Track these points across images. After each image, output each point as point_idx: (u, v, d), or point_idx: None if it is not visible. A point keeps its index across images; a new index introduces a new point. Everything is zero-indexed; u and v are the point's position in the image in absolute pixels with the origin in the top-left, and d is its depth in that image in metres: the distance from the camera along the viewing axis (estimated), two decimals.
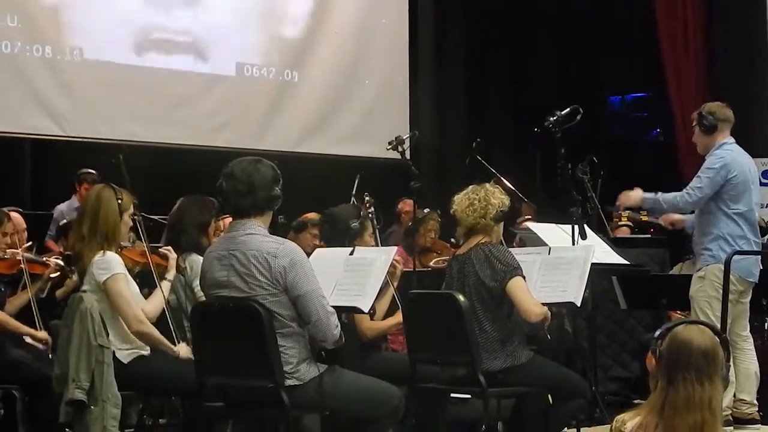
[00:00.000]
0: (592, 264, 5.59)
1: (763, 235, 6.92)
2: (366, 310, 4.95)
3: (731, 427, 6.28)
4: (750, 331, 6.71)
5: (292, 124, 10.66)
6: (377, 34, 11.26)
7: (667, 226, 7.17)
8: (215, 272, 4.54)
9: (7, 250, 5.86)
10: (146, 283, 5.46)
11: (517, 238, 7.60)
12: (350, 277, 5.03)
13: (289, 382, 4.44)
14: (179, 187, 6.40)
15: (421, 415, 5.36)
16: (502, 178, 7.82)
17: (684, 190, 6.55)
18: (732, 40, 11.12)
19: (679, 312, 7.36)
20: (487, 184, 5.55)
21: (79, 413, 4.94)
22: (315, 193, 8.16)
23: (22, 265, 5.76)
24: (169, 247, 5.54)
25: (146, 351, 5.22)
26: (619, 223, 8.53)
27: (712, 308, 6.38)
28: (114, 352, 5.04)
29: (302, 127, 10.71)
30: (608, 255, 6.57)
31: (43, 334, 5.71)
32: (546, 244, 6.06)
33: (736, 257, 6.35)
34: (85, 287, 5.14)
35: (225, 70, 10.30)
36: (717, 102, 6.83)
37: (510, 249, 5.64)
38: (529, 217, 8.60)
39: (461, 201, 5.43)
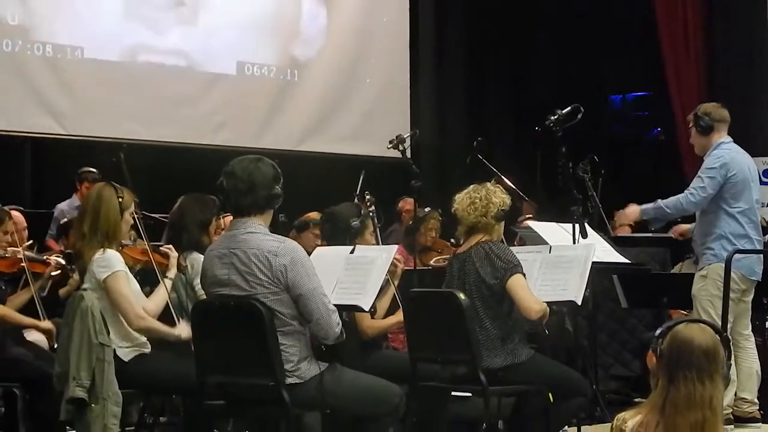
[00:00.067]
0: (593, 263, 5.59)
1: (764, 234, 6.92)
2: (367, 309, 4.95)
3: (732, 426, 6.28)
4: (751, 330, 6.72)
5: (293, 124, 10.67)
6: (378, 34, 11.27)
7: (677, 237, 7.22)
8: (216, 271, 4.54)
9: (8, 249, 5.85)
10: (147, 281, 5.47)
11: (518, 237, 7.60)
12: (351, 275, 5.03)
13: (289, 381, 4.44)
14: (180, 185, 6.41)
15: (422, 414, 5.36)
16: (503, 177, 7.82)
17: (686, 192, 6.55)
18: (732, 40, 11.13)
19: (681, 310, 7.36)
20: (488, 184, 5.56)
21: (79, 411, 4.94)
22: (315, 192, 8.17)
23: (23, 264, 5.76)
24: (170, 245, 5.54)
25: (147, 349, 5.22)
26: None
27: (714, 307, 6.39)
28: (115, 350, 5.04)
29: (303, 127, 10.72)
30: (609, 254, 6.57)
31: (47, 324, 5.71)
32: (547, 243, 6.07)
33: (738, 256, 6.36)
34: (85, 285, 5.14)
35: (226, 69, 10.31)
36: (712, 102, 6.87)
37: (511, 247, 5.64)
38: (530, 215, 8.59)
39: (462, 200, 5.43)
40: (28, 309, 5.80)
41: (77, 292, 5.17)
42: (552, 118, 6.36)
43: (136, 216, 5.40)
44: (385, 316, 5.71)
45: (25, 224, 6.59)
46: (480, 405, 5.25)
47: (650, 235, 8.33)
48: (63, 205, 8.88)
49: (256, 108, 10.48)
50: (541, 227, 6.74)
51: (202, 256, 4.97)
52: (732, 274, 6.31)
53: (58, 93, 9.34)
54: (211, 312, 4.63)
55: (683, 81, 11.20)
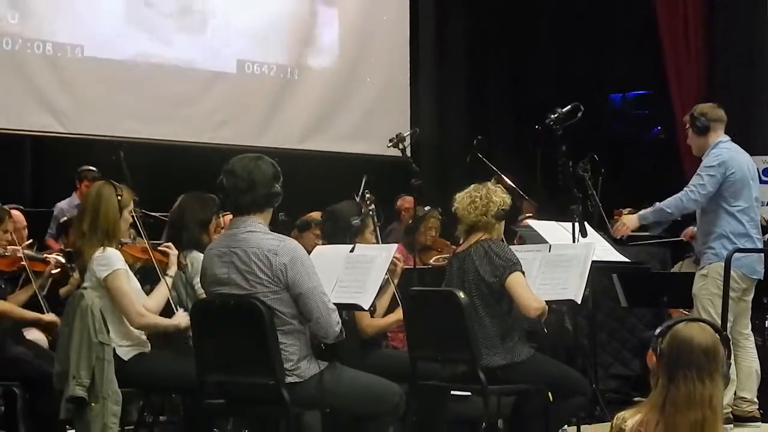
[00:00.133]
0: (593, 261, 5.59)
1: (764, 234, 6.93)
2: (366, 308, 4.96)
3: (732, 425, 6.29)
4: (751, 330, 6.72)
5: (293, 122, 10.67)
6: (378, 33, 11.27)
7: (687, 239, 7.23)
8: (216, 269, 4.54)
9: (8, 247, 5.85)
10: (147, 279, 5.47)
11: (518, 236, 7.60)
12: (351, 274, 5.03)
13: (289, 380, 4.44)
14: (180, 184, 6.41)
15: (422, 413, 5.36)
16: (502, 176, 7.81)
17: (685, 189, 6.55)
18: (732, 39, 11.13)
19: (681, 310, 7.35)
20: (489, 183, 5.56)
21: (79, 410, 4.94)
22: (315, 190, 8.16)
23: (24, 263, 5.75)
24: (170, 243, 5.54)
25: (147, 348, 5.22)
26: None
27: (714, 306, 6.39)
28: (114, 349, 5.03)
29: (303, 126, 10.72)
30: (609, 253, 6.57)
31: (51, 316, 5.71)
32: (547, 242, 6.07)
33: (739, 254, 6.36)
34: (85, 284, 5.13)
35: (226, 67, 10.31)
36: (708, 103, 6.88)
37: (510, 246, 5.64)
38: (530, 214, 8.59)
39: (463, 199, 5.44)
40: (28, 308, 5.81)
41: (77, 290, 5.17)
42: (552, 116, 6.35)
43: (135, 214, 5.40)
44: (385, 314, 5.71)
45: (25, 223, 6.59)
46: (480, 404, 5.25)
47: (650, 234, 8.33)
48: (63, 204, 8.88)
49: (257, 106, 10.48)
50: (541, 226, 6.74)
51: (202, 255, 4.97)
52: (732, 273, 6.31)
53: (58, 91, 9.34)
54: (210, 311, 4.63)
55: (683, 80, 11.19)
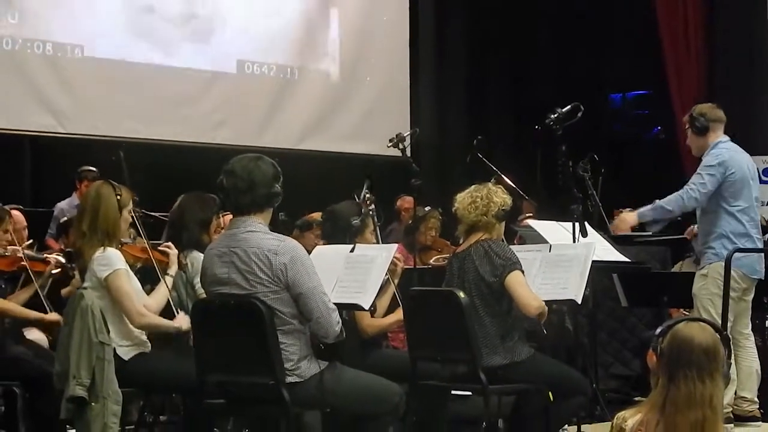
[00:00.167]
0: (593, 261, 5.59)
1: (764, 234, 6.93)
2: (367, 308, 4.96)
3: (732, 425, 6.28)
4: (751, 329, 6.72)
5: (293, 122, 10.67)
6: (378, 33, 11.27)
7: (690, 237, 7.23)
8: (216, 269, 4.54)
9: (8, 247, 5.85)
10: (147, 279, 5.46)
11: (518, 236, 7.60)
12: (351, 274, 5.03)
13: (289, 379, 4.44)
14: (180, 184, 6.41)
15: (422, 413, 5.36)
16: (503, 176, 7.81)
17: (686, 188, 6.55)
18: (732, 39, 11.14)
19: (681, 309, 7.35)
20: (490, 184, 5.57)
21: (79, 410, 4.93)
22: (315, 190, 8.16)
23: (24, 263, 5.75)
24: (170, 243, 5.53)
25: (147, 348, 5.22)
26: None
27: (714, 306, 6.38)
28: (115, 348, 5.03)
29: (303, 126, 10.72)
30: (609, 252, 6.57)
31: (54, 315, 5.71)
32: (547, 242, 6.06)
33: (739, 254, 6.36)
34: (86, 284, 5.13)
35: (226, 67, 10.31)
36: (707, 103, 6.88)
37: (511, 246, 5.64)
38: (530, 214, 8.59)
39: (463, 199, 5.44)
40: (29, 308, 5.80)
41: (77, 290, 5.17)
42: (552, 116, 6.35)
43: (135, 214, 5.40)
44: (385, 314, 5.71)
45: (25, 223, 6.58)
46: (480, 404, 5.25)
47: (650, 233, 8.33)
48: (63, 204, 8.88)
49: (256, 106, 10.48)
50: (541, 226, 6.74)
51: (202, 255, 4.97)
52: (732, 272, 6.31)
53: (58, 91, 9.34)
54: (211, 311, 4.63)
55: (683, 80, 11.20)
